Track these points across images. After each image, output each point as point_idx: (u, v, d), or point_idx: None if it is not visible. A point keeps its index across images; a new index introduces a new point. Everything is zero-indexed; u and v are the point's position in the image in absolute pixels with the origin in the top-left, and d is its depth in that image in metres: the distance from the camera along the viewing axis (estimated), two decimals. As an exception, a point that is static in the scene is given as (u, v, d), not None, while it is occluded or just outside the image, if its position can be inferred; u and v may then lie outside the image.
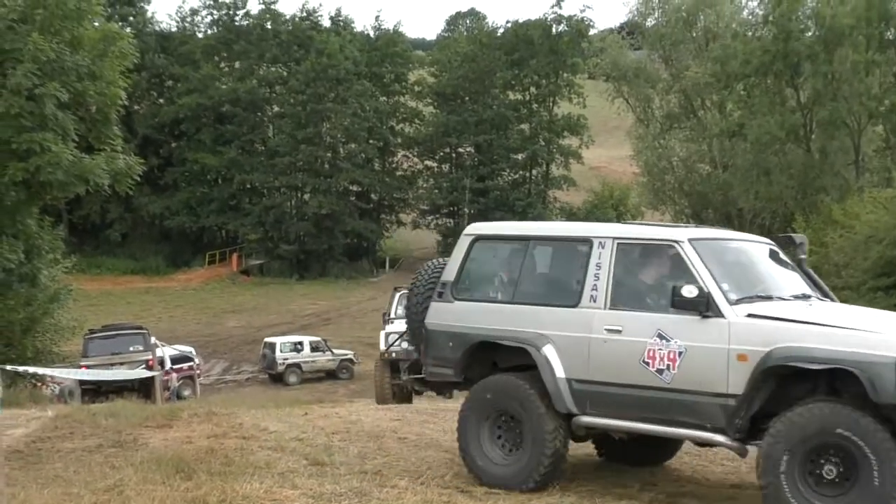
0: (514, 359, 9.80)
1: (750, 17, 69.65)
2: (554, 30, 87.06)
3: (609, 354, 9.13)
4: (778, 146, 61.01)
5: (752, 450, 8.55)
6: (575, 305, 9.44)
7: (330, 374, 47.29)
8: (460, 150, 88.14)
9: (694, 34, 69.36)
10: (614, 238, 9.53)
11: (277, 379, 46.83)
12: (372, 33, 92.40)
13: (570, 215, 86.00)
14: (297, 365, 47.28)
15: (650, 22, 75.14)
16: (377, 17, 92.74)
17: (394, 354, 20.92)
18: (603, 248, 9.48)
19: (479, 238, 10.60)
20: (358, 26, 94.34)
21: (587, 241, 9.66)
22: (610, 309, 9.25)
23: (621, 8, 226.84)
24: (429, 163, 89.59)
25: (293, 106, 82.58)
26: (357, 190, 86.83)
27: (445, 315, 10.30)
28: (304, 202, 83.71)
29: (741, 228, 65.77)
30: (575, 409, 9.38)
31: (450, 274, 10.48)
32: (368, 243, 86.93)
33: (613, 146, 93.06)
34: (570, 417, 9.45)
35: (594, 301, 9.35)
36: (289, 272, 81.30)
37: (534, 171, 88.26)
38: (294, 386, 45.44)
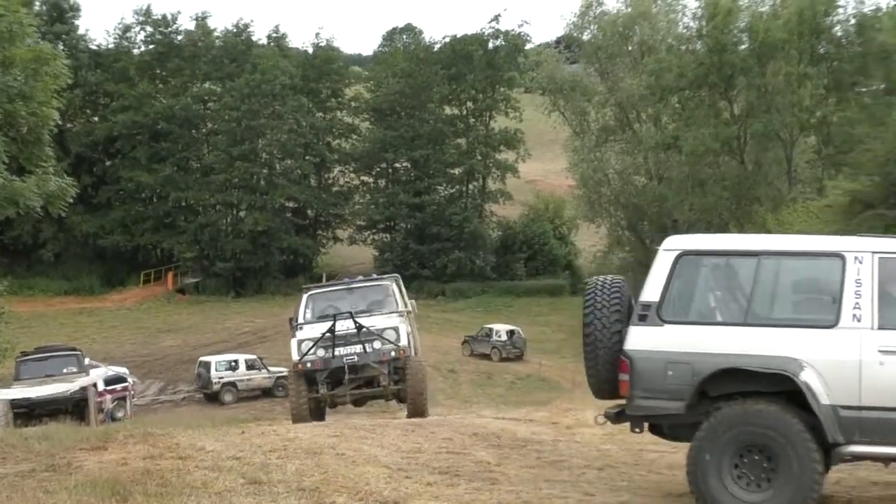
0: (741, 386, 9.04)
1: (685, 30, 70.46)
2: (491, 44, 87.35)
3: (889, 377, 8.58)
4: (712, 158, 61.76)
5: None
6: (832, 326, 8.82)
7: (266, 392, 47.07)
8: (397, 165, 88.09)
9: (629, 48, 70.01)
10: (874, 252, 8.98)
11: (213, 398, 46.55)
12: (310, 49, 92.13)
13: (507, 229, 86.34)
14: (233, 383, 47.03)
15: (586, 35, 75.83)
16: (317, 34, 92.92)
17: (309, 365, 18.57)
18: (861, 263, 8.91)
19: (685, 253, 9.67)
20: (295, 42, 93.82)
21: (838, 256, 9.03)
22: (880, 329, 8.70)
23: (558, 22, 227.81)
24: (365, 178, 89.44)
25: (228, 122, 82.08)
26: (293, 206, 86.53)
27: (655, 340, 9.34)
28: (240, 219, 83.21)
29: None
30: (841, 437, 8.72)
31: (652, 294, 9.67)
32: (305, 259, 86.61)
33: (549, 159, 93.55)
34: (832, 447, 8.79)
35: (858, 321, 8.76)
36: (225, 290, 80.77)
37: (470, 186, 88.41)
38: (230, 405, 45.23)
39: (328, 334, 18.33)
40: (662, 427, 9.94)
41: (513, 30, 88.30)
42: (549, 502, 9.68)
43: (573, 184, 74.89)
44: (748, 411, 8.91)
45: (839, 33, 61.06)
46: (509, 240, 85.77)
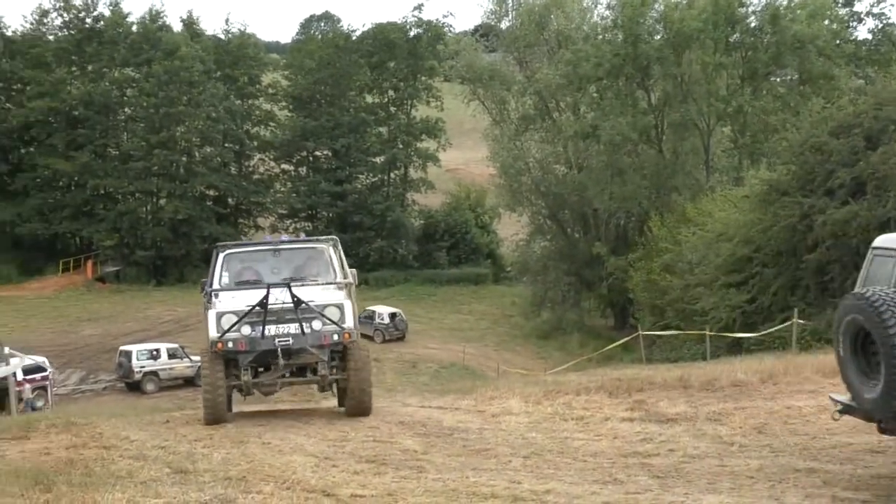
0: None
1: (600, 20, 70.83)
2: (412, 33, 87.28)
3: None
4: (630, 147, 62.28)
5: None
6: None
7: (189, 381, 46.62)
8: (317, 153, 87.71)
9: (546, 36, 70.18)
10: None
11: (135, 387, 46.11)
12: (223, 35, 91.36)
13: (429, 217, 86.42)
14: (155, 372, 46.62)
15: (504, 24, 75.98)
16: (227, 21, 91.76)
17: (230, 345, 14.65)
18: None
19: None
20: (208, 29, 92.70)
21: None
22: None
23: (476, 10, 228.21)
24: (286, 166, 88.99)
25: (146, 109, 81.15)
26: (214, 194, 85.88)
27: None
28: (160, 207, 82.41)
29: (597, 228, 67.21)
30: None
31: None
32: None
33: (470, 148, 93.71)
34: None
35: None
36: (146, 278, 79.98)
37: (392, 174, 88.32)
38: (152, 394, 44.81)
39: (258, 308, 14.49)
40: None
41: (437, 20, 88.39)
42: (476, 490, 9.76)
43: (494, 172, 75.04)
44: None
45: (753, 23, 61.73)
46: (431, 228, 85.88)
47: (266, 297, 14.28)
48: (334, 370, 15.23)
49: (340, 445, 12.53)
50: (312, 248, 16.87)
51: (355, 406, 15.17)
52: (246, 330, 14.53)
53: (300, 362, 15.30)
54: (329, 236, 17.55)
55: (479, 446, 12.35)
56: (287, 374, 15.57)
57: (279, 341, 14.60)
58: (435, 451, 12.10)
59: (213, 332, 14.67)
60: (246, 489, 9.71)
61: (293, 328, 14.62)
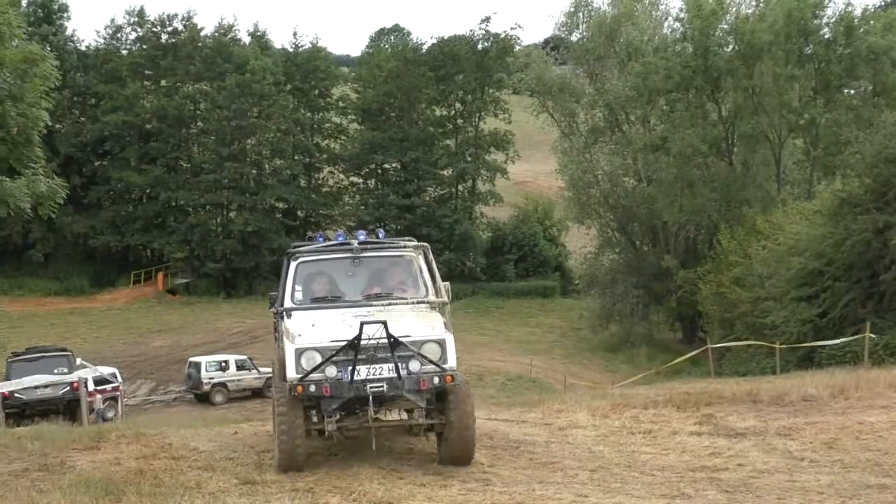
0: None
1: (670, 32, 70.46)
2: (480, 46, 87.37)
3: None
4: (700, 159, 61.73)
5: None
6: None
7: (257, 393, 46.92)
8: (386, 166, 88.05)
9: (616, 48, 69.91)
10: None
11: (203, 399, 46.42)
12: (290, 48, 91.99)
13: (497, 230, 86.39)
14: (223, 384, 46.88)
15: (575, 37, 75.71)
16: (295, 34, 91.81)
17: (313, 388, 11.94)
18: None
19: None
20: (277, 42, 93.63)
21: None
22: None
23: (546, 22, 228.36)
24: (355, 179, 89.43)
25: (218, 122, 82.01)
26: (283, 207, 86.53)
27: None
28: (230, 220, 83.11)
29: (666, 241, 66.76)
30: None
31: None
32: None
33: (538, 161, 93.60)
34: None
35: None
36: (215, 290, 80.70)
37: (460, 187, 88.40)
38: (221, 405, 45.08)
39: (348, 348, 11.96)
40: None
41: (504, 32, 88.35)
42: (542, 503, 9.72)
43: (562, 185, 74.80)
44: None
45: (826, 35, 61.05)
46: (499, 241, 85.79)
47: (359, 336, 11.68)
48: (431, 415, 12.48)
49: (406, 458, 12.53)
50: (400, 255, 14.24)
51: (454, 456, 12.29)
52: (331, 371, 11.89)
53: (393, 408, 12.59)
54: (418, 242, 14.57)
55: (546, 459, 12.31)
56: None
57: (371, 388, 11.87)
58: (501, 463, 12.07)
59: (291, 372, 12.04)
60: (313, 500, 9.77)
61: (387, 370, 11.96)
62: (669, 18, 71.46)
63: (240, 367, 47.70)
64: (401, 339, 11.77)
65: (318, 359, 11.87)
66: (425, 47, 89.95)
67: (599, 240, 73.48)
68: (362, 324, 11.62)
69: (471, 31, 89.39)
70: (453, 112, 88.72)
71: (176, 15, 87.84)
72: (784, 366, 32.19)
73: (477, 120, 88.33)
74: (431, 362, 11.96)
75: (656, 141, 63.57)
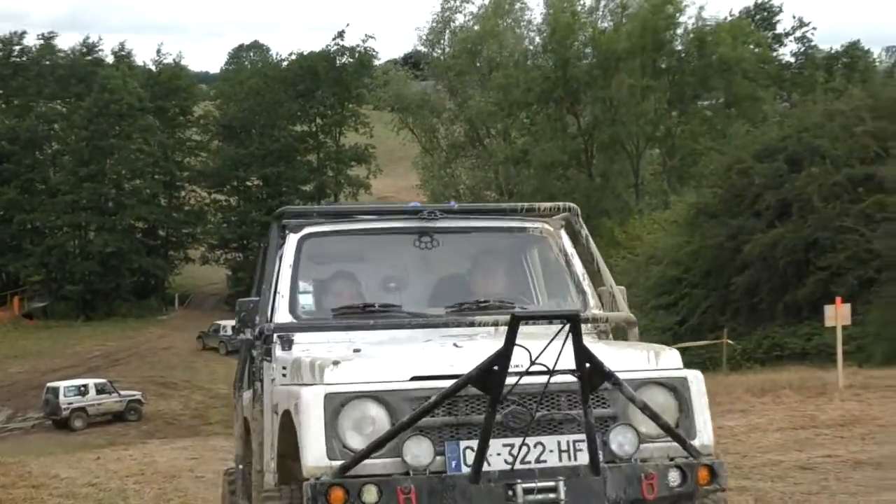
0: None
1: (531, 46, 71.37)
2: (338, 61, 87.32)
3: None
4: (561, 171, 62.62)
5: None
6: None
7: (118, 417, 46.17)
8: (248, 182, 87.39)
9: (478, 63, 70.53)
10: None
11: (62, 424, 45.44)
12: (153, 67, 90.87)
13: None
14: (83, 409, 46.00)
15: (436, 52, 76.20)
16: (158, 51, 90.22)
17: (372, 497, 5.18)
18: None
19: None
20: (139, 60, 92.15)
21: None
22: None
23: (408, 37, 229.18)
24: (217, 196, 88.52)
25: (75, 143, 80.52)
26: (143, 226, 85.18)
27: None
28: (89, 241, 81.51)
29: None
30: None
31: None
32: (157, 281, 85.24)
33: (401, 176, 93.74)
34: None
35: None
36: (74, 314, 78.91)
37: (322, 202, 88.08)
38: (81, 430, 44.25)
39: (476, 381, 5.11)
40: None
41: (358, 45, 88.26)
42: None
43: (425, 200, 75.03)
44: None
45: (679, 47, 62.49)
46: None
47: (507, 348, 4.92)
48: None
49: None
50: (522, 231, 7.56)
51: None
52: (419, 450, 5.29)
53: None
54: (562, 204, 7.94)
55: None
56: None
57: (530, 498, 5.28)
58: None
59: (315, 454, 5.34)
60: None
61: (565, 447, 5.47)
62: (531, 33, 72.44)
63: (100, 390, 46.91)
64: (614, 373, 5.27)
65: (383, 420, 5.36)
66: (285, 63, 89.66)
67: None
68: (515, 316, 4.94)
69: (327, 46, 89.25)
70: (314, 127, 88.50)
71: (26, 32, 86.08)
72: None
73: (338, 135, 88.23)
74: (670, 431, 5.52)
75: (517, 154, 64.36)
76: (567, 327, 4.94)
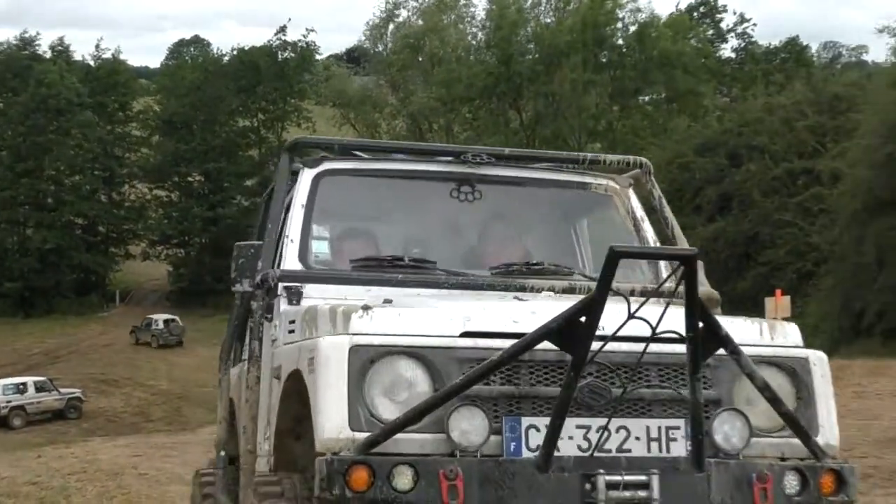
0: None
1: (474, 42, 71.51)
2: (280, 56, 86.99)
3: None
4: (503, 166, 62.82)
5: None
6: None
7: (57, 415, 45.76)
8: (190, 178, 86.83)
9: (420, 59, 70.57)
10: None
11: (1, 423, 45.00)
12: (92, 62, 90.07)
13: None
14: (21, 407, 45.53)
15: (378, 48, 76.19)
16: (97, 46, 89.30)
17: (406, 481, 3.99)
18: None
19: None
20: (77, 55, 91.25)
21: None
22: None
23: (350, 33, 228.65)
24: (158, 192, 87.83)
25: (12, 138, 79.60)
26: (83, 223, 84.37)
27: None
28: (28, 237, 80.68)
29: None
30: None
31: None
32: (97, 277, 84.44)
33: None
34: None
35: None
36: (13, 311, 77.96)
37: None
38: (20, 429, 43.80)
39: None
40: None
41: (300, 40, 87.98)
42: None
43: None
44: None
45: (620, 42, 62.86)
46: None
47: (601, 293, 3.82)
48: None
49: (218, 474, 12.38)
50: (580, 183, 6.43)
51: None
52: (472, 424, 4.12)
53: None
54: (632, 159, 6.86)
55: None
56: None
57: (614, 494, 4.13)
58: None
59: (335, 418, 4.15)
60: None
61: (657, 434, 4.35)
62: (474, 28, 72.60)
63: (39, 388, 46.51)
64: (733, 340, 4.22)
65: (424, 384, 4.28)
66: (226, 58, 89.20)
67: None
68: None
69: (269, 41, 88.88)
70: (256, 122, 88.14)
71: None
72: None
73: (280, 130, 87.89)
74: (793, 423, 4.44)
75: (459, 149, 64.51)
76: (680, 272, 3.86)
